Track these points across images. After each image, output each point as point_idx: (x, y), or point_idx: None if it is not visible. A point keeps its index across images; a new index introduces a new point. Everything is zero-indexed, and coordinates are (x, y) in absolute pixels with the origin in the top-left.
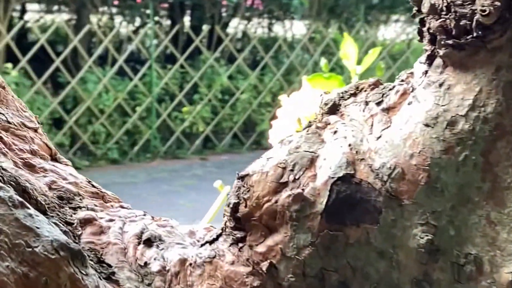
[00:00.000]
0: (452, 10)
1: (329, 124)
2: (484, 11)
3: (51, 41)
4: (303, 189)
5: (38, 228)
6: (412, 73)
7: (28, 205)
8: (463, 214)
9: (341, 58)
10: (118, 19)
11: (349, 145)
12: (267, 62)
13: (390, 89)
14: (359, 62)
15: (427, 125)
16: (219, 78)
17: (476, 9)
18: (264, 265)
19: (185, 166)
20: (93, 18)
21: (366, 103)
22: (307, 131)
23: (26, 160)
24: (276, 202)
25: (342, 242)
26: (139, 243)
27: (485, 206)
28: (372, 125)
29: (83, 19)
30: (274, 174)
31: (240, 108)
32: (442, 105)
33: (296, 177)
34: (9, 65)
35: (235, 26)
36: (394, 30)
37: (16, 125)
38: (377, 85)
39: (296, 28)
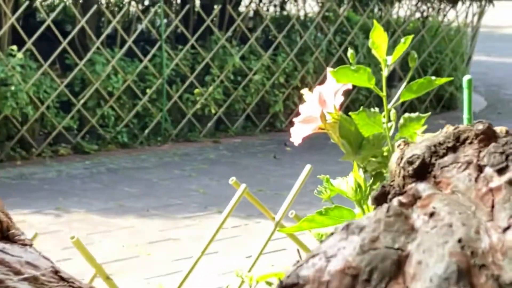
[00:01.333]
0: None
1: (420, 198)
2: None
3: (58, 22)
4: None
5: None
6: None
7: None
8: None
9: (370, 47)
10: None
11: (459, 240)
12: (280, 42)
13: None
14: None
15: None
16: (231, 58)
17: None
18: None
19: (197, 150)
20: None
21: (479, 167)
22: (387, 211)
23: None
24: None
25: None
26: None
27: None
28: (492, 206)
29: None
30: (339, 286)
31: (253, 90)
32: None
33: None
34: (14, 47)
35: (247, 5)
36: (409, 8)
37: None
38: (489, 135)
39: (308, 7)
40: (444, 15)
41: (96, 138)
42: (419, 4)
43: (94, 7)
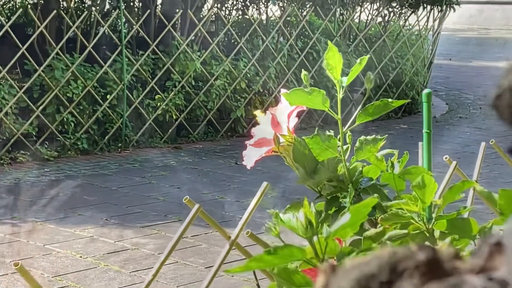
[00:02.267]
0: None
1: None
2: None
3: (19, 25)
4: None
5: None
6: None
7: None
8: None
9: (325, 68)
10: (87, 2)
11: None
12: (242, 46)
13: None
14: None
15: None
16: (192, 64)
17: None
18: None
19: (158, 156)
20: (62, 1)
21: None
22: None
23: None
24: None
25: None
26: None
27: None
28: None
29: (51, 3)
30: None
31: (214, 95)
32: None
33: None
34: None
35: (208, 9)
36: (370, 12)
37: None
38: (433, 267)
39: (270, 11)
40: (406, 20)
41: (55, 144)
42: (381, 8)
43: (54, 12)
